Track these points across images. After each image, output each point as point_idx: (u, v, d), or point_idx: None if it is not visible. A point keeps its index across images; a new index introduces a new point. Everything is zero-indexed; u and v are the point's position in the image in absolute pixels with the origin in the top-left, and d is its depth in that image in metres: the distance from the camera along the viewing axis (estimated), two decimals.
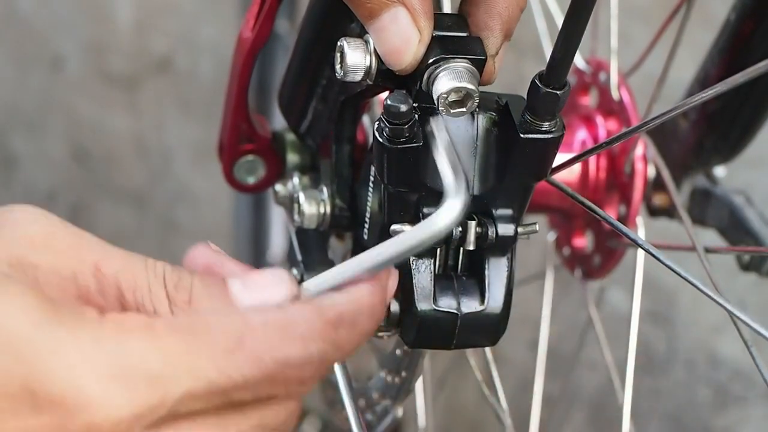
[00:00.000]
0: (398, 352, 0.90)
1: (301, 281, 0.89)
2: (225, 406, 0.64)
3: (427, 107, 0.73)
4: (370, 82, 0.74)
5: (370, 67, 0.73)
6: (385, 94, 0.77)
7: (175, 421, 0.62)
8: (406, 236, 0.66)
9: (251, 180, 0.97)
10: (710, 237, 1.08)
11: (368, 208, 0.82)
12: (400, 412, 0.94)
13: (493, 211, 0.76)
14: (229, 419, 0.64)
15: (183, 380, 0.61)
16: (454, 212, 0.65)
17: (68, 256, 0.65)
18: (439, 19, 0.72)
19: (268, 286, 0.67)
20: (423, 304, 0.75)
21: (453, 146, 0.68)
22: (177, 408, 0.62)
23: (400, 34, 0.71)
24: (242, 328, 0.63)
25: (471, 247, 0.76)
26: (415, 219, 0.75)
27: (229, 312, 0.65)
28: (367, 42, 0.73)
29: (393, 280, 0.70)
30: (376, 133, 0.72)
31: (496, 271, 0.76)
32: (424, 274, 0.76)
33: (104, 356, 0.61)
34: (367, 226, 0.83)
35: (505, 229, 0.76)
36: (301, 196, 0.90)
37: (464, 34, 0.73)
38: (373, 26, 0.72)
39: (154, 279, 0.65)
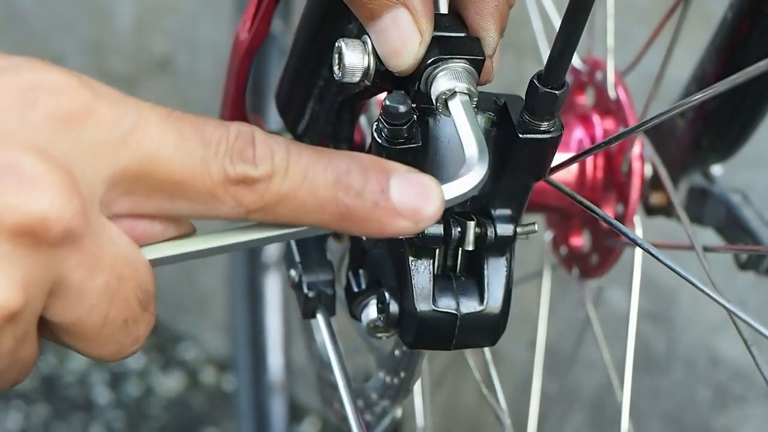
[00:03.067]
0: (397, 352, 0.90)
1: (299, 283, 0.89)
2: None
3: (425, 108, 0.73)
4: (368, 83, 0.74)
5: (368, 67, 0.73)
6: (383, 94, 0.77)
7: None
8: None
9: None
10: (708, 236, 1.08)
11: None
12: (398, 412, 0.94)
13: (492, 212, 0.76)
14: None
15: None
16: (475, 181, 0.67)
17: None
18: (438, 20, 0.72)
19: None
20: (422, 305, 0.75)
21: (474, 119, 0.69)
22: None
23: (401, 36, 0.71)
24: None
25: (470, 248, 0.75)
26: None
27: None
28: (365, 43, 0.73)
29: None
30: (375, 134, 0.72)
31: (495, 272, 0.76)
32: (422, 274, 0.76)
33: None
34: None
35: (504, 230, 0.76)
36: None
37: (462, 35, 0.73)
38: (374, 27, 0.72)
39: None
